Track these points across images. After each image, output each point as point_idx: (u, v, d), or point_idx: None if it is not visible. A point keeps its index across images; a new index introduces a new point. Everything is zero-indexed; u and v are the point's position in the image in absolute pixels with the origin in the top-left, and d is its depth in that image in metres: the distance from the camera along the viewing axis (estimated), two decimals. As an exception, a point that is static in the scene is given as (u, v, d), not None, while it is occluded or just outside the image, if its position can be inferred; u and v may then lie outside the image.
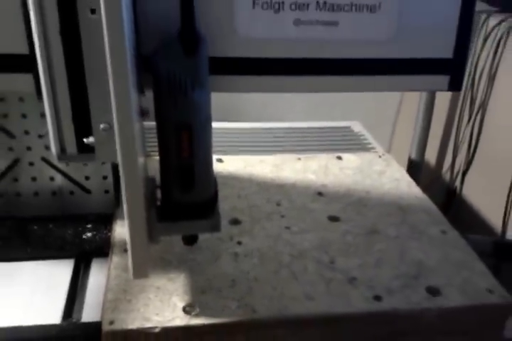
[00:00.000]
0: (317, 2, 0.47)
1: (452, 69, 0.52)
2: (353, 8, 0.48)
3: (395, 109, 1.41)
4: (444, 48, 0.51)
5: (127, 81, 0.36)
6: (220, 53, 0.46)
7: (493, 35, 1.12)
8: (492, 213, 1.06)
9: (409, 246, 0.58)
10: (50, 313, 0.53)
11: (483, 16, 1.16)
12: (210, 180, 0.46)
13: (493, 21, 1.11)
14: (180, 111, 0.42)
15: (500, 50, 1.11)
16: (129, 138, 0.37)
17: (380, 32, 0.49)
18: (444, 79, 0.52)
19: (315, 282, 0.52)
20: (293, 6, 0.47)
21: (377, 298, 0.50)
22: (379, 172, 0.74)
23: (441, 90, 0.57)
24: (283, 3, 0.46)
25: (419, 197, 0.68)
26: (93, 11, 0.38)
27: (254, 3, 0.46)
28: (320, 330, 0.49)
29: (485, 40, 1.13)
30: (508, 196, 1.00)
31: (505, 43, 1.10)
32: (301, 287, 0.51)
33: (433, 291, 0.52)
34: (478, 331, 0.52)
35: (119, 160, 0.38)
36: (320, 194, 0.68)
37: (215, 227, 0.47)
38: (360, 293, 0.51)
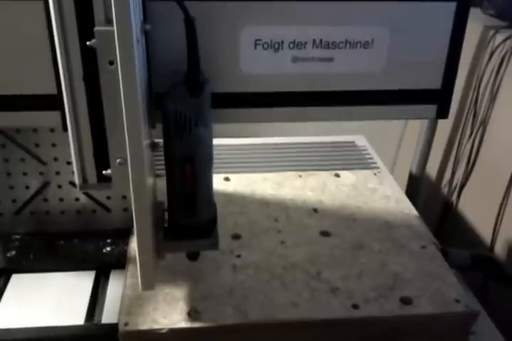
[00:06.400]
0: (314, 40, 0.50)
1: (440, 99, 0.54)
2: (347, 44, 0.51)
3: (402, 122, 1.44)
4: (432, 80, 0.53)
5: (139, 126, 0.40)
6: (226, 89, 0.50)
7: (498, 51, 1.12)
8: (484, 227, 1.08)
9: (390, 260, 0.63)
10: (75, 316, 0.60)
11: (491, 32, 1.17)
12: (211, 204, 0.51)
13: (500, 37, 1.11)
14: (185, 144, 0.46)
15: (503, 67, 1.10)
16: (139, 173, 0.41)
17: (373, 66, 0.52)
18: (432, 108, 0.55)
19: (301, 291, 0.58)
20: (291, 45, 0.50)
21: (355, 307, 0.56)
22: (371, 190, 0.80)
23: (429, 118, 0.61)
24: (282, 42, 0.50)
25: (405, 213, 0.74)
26: (111, 63, 0.41)
27: (255, 44, 0.49)
28: (303, 333, 0.56)
29: (491, 56, 1.13)
30: (499, 211, 1.02)
31: (508, 60, 1.10)
32: (288, 295, 0.57)
33: (406, 301, 0.57)
34: (446, 335, 0.58)
35: (131, 190, 0.42)
36: (315, 210, 0.73)
37: (214, 246, 0.52)
38: (340, 301, 0.57)
